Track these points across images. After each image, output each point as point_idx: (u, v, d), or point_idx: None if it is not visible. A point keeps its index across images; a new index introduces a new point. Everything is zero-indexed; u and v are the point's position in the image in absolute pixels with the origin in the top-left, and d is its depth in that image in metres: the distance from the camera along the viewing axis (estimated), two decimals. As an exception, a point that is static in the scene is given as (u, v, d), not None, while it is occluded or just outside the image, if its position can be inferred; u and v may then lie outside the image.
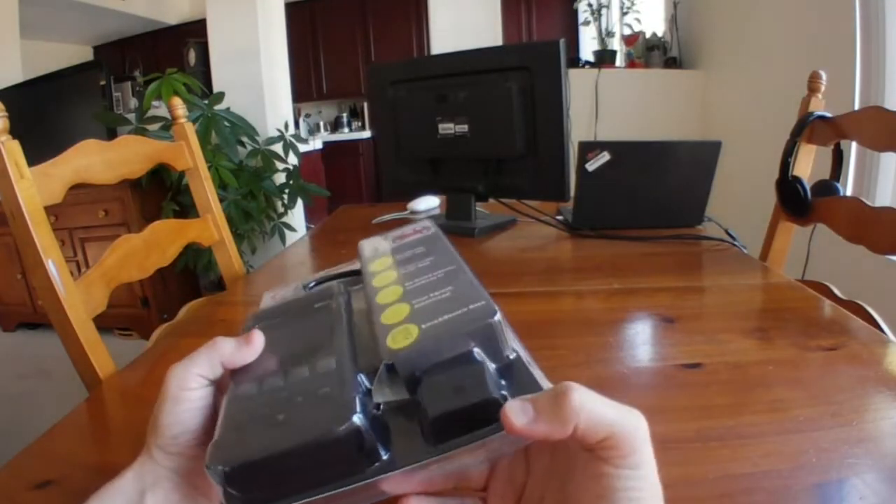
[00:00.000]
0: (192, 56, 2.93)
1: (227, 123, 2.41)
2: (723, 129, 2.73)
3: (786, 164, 0.97)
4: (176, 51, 3.37)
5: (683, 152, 1.08)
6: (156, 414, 0.29)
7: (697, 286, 0.81)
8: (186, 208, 2.47)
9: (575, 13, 4.30)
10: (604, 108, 2.89)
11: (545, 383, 0.27)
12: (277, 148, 2.60)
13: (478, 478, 0.28)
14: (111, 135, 2.49)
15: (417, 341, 0.27)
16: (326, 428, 0.25)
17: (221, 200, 1.81)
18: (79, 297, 0.66)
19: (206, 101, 2.39)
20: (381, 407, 0.27)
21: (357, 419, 0.25)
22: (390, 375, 0.27)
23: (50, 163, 0.69)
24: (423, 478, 0.26)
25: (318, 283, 0.44)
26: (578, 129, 2.77)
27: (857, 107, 1.73)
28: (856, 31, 1.78)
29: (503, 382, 0.26)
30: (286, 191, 2.62)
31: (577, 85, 2.83)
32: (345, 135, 5.10)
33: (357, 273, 0.42)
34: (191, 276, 2.80)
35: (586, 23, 3.45)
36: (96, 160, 0.78)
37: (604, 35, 3.20)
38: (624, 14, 3.22)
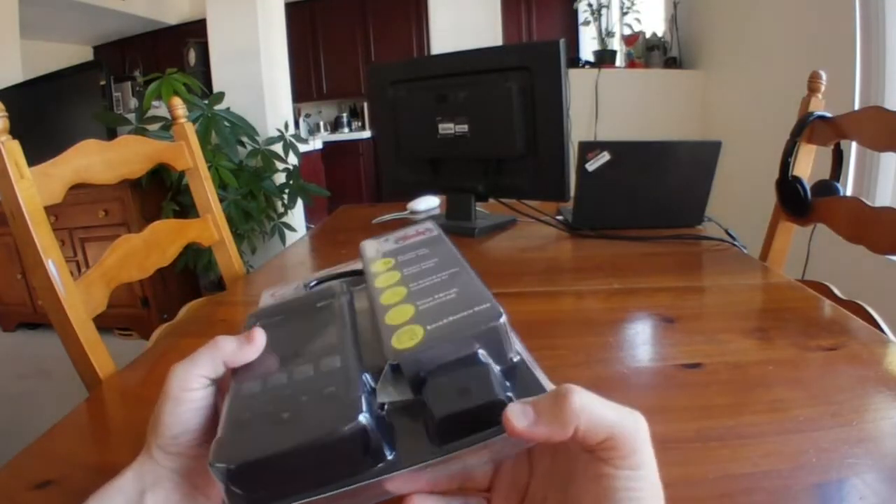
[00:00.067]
0: (192, 56, 2.93)
1: (227, 123, 2.41)
2: (723, 129, 2.73)
3: (786, 164, 0.97)
4: (176, 51, 3.38)
5: (683, 152, 1.08)
6: (156, 414, 0.29)
7: (697, 286, 0.81)
8: (186, 208, 2.47)
9: (575, 13, 4.30)
10: (604, 108, 2.89)
11: (549, 385, 0.27)
12: (277, 148, 2.60)
13: (481, 478, 0.28)
14: (111, 135, 2.49)
15: (423, 342, 0.27)
16: (332, 427, 0.24)
17: (221, 200, 1.81)
18: (79, 297, 0.66)
19: (206, 101, 2.39)
20: (386, 407, 0.27)
21: (363, 418, 0.25)
22: (395, 376, 0.27)
23: (50, 163, 0.69)
24: (427, 478, 0.26)
25: (320, 282, 0.44)
26: (578, 129, 2.77)
27: (857, 107, 1.73)
28: (856, 31, 1.78)
29: (507, 384, 0.26)
30: (286, 191, 2.62)
31: (577, 85, 2.83)
32: (345, 135, 5.10)
33: (358, 273, 0.42)
34: (191, 276, 2.80)
35: (586, 23, 3.45)
36: (96, 160, 0.78)
37: (604, 35, 3.20)
38: (624, 14, 3.22)
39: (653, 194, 1.08)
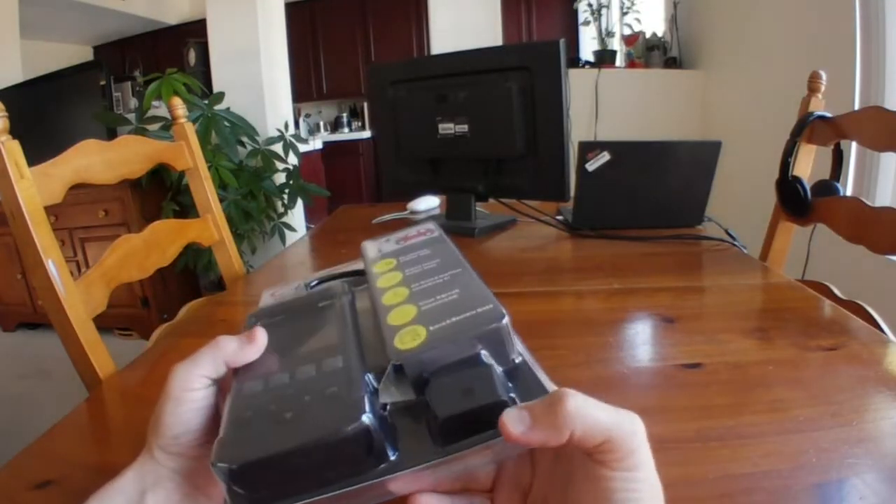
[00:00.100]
0: (192, 56, 2.93)
1: (227, 123, 2.41)
2: (723, 129, 2.73)
3: (786, 164, 0.97)
4: (176, 51, 3.38)
5: (683, 152, 1.08)
6: (157, 414, 0.29)
7: (697, 286, 0.81)
8: (186, 208, 2.47)
9: (575, 13, 4.30)
10: (604, 108, 2.89)
11: (551, 386, 0.27)
12: (277, 148, 2.60)
13: (484, 478, 0.28)
14: (111, 135, 2.49)
15: (426, 343, 0.27)
16: (335, 427, 0.24)
17: (221, 200, 1.81)
18: (79, 297, 0.66)
19: (206, 101, 2.39)
20: (388, 407, 0.27)
21: (366, 419, 0.25)
22: (397, 376, 0.27)
23: (50, 163, 0.69)
24: (430, 478, 0.26)
25: (321, 282, 0.44)
26: (578, 129, 2.77)
27: (857, 107, 1.73)
28: (856, 31, 1.78)
29: (510, 385, 0.26)
30: (286, 191, 2.62)
31: (577, 85, 2.83)
32: (345, 135, 5.10)
33: (359, 273, 0.42)
34: (191, 276, 2.80)
35: (586, 23, 3.45)
36: (96, 160, 0.78)
37: (604, 35, 3.20)
38: (624, 14, 3.22)
39: (653, 194, 1.08)
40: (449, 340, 0.27)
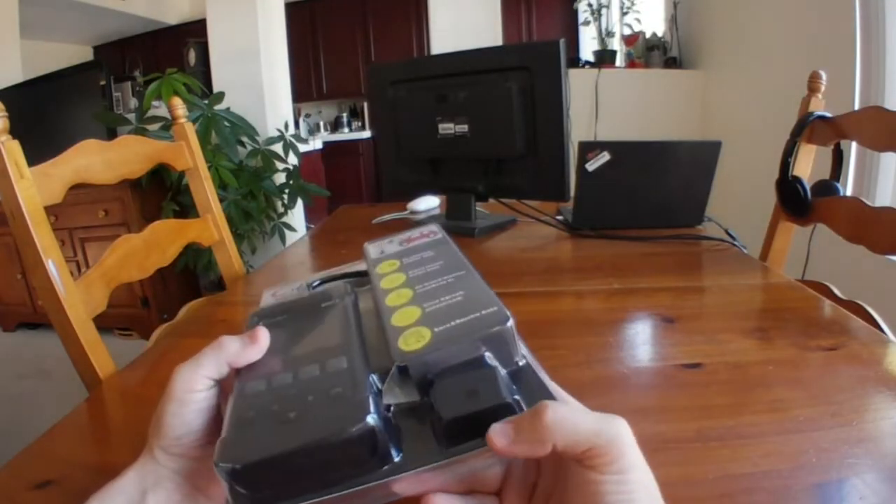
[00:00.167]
0: (192, 56, 2.93)
1: (227, 123, 2.41)
2: (723, 129, 2.73)
3: (786, 164, 0.97)
4: (176, 51, 3.38)
5: (683, 152, 1.08)
6: (159, 414, 0.29)
7: (697, 286, 0.81)
8: (186, 208, 2.47)
9: (575, 13, 4.30)
10: (604, 108, 2.89)
11: (554, 389, 0.27)
12: (277, 148, 2.60)
13: (492, 480, 0.28)
14: (111, 135, 2.49)
15: (430, 344, 0.27)
16: (340, 428, 0.24)
17: (221, 200, 1.81)
18: (79, 297, 0.66)
19: (206, 101, 2.39)
20: (392, 408, 0.27)
21: (371, 420, 0.25)
22: (402, 377, 0.27)
23: (50, 163, 0.69)
24: (434, 480, 0.26)
25: (323, 282, 0.43)
26: (578, 129, 2.77)
27: (857, 107, 1.73)
28: (856, 31, 1.78)
29: (514, 387, 0.26)
30: (286, 191, 2.62)
31: (577, 85, 2.83)
32: (345, 135, 5.10)
33: (361, 274, 0.42)
34: (191, 276, 2.80)
35: (586, 23, 3.45)
36: (96, 160, 0.78)
37: (604, 35, 3.20)
38: (624, 14, 3.22)
39: (653, 194, 1.08)
40: (453, 342, 0.27)
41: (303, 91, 4.74)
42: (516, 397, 0.25)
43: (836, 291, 0.87)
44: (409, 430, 0.26)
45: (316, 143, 3.68)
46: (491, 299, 0.30)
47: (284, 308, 0.37)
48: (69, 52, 4.35)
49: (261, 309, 0.38)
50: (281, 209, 2.69)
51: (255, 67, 2.66)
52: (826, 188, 0.95)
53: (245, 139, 2.54)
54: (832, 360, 0.53)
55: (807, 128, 0.97)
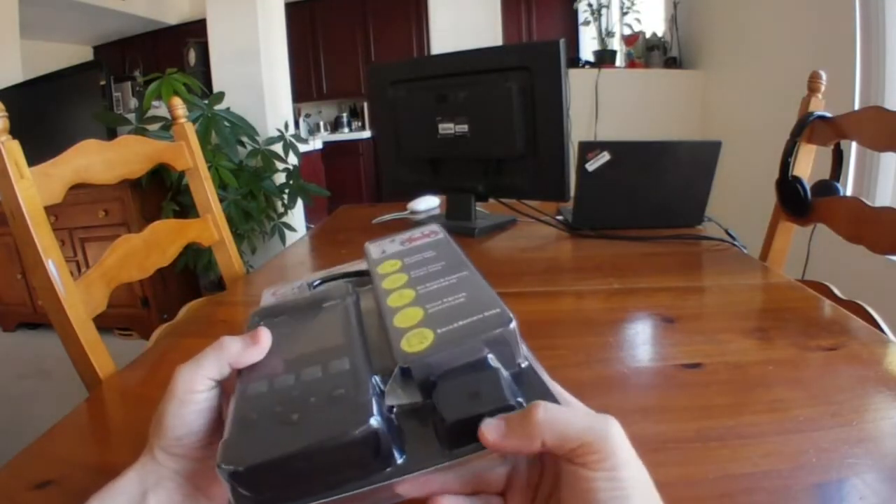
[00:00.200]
0: (192, 56, 2.93)
1: (227, 123, 2.41)
2: (723, 129, 2.73)
3: (786, 164, 0.97)
4: (176, 51, 3.38)
5: (683, 152, 1.08)
6: (160, 415, 0.29)
7: (697, 286, 0.81)
8: (186, 208, 2.47)
9: (575, 13, 4.30)
10: (604, 108, 2.89)
11: (557, 391, 0.27)
12: (277, 148, 2.60)
13: (497, 480, 0.29)
14: (111, 135, 2.49)
15: (433, 346, 0.27)
16: (343, 429, 0.24)
17: (221, 200, 1.81)
18: (79, 297, 0.66)
19: (206, 101, 2.39)
20: (395, 410, 0.27)
21: (374, 421, 0.25)
22: (404, 379, 0.27)
23: (50, 163, 0.69)
24: (437, 481, 0.26)
25: (323, 281, 0.43)
26: (578, 129, 2.77)
27: (857, 107, 1.73)
28: (856, 31, 1.78)
29: (516, 389, 0.26)
30: (286, 191, 2.62)
31: (577, 85, 2.83)
32: (345, 135, 5.10)
33: (361, 273, 0.42)
34: (191, 276, 2.79)
35: (586, 23, 3.45)
36: (96, 160, 0.78)
37: (604, 35, 3.20)
38: (624, 14, 3.22)
39: (653, 194, 1.08)
40: (456, 344, 0.27)
41: (303, 91, 4.74)
42: (519, 399, 0.25)
43: (836, 291, 0.87)
44: (412, 431, 0.26)
45: (316, 143, 3.68)
46: (493, 301, 0.30)
47: (285, 308, 0.36)
48: (69, 52, 4.34)
49: (261, 308, 0.38)
50: (281, 209, 2.69)
51: (255, 67, 2.66)
52: (826, 188, 0.95)
53: (245, 139, 2.54)
54: (832, 360, 0.53)
55: (807, 128, 0.97)
